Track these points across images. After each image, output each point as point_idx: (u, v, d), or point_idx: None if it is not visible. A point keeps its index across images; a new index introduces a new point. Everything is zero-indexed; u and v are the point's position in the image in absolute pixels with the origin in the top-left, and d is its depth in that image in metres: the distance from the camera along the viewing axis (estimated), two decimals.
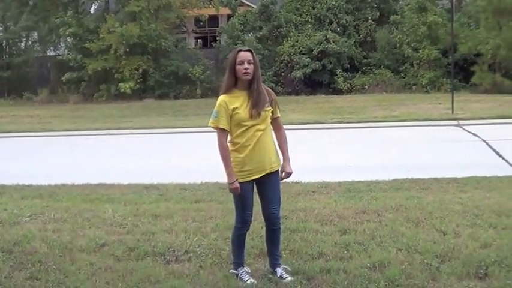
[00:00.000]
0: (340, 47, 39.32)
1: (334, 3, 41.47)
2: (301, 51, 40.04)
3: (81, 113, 32.46)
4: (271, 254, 6.75)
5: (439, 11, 39.15)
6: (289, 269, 6.65)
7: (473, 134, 18.69)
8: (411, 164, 13.89)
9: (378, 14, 42.07)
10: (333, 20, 41.38)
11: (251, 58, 6.29)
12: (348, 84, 39.17)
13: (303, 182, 11.65)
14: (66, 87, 42.19)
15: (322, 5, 41.69)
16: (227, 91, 6.38)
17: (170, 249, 7.56)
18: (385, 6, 42.60)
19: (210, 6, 43.69)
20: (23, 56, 45.25)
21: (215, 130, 6.41)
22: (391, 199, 10.00)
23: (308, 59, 39.41)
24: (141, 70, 39.72)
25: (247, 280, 6.51)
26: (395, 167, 13.50)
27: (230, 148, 6.41)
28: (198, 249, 7.52)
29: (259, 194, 6.61)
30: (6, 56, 46.24)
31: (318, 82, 39.72)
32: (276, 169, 6.53)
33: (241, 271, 6.63)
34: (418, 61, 38.18)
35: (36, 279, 6.69)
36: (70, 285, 6.47)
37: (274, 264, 6.69)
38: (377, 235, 7.88)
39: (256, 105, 6.28)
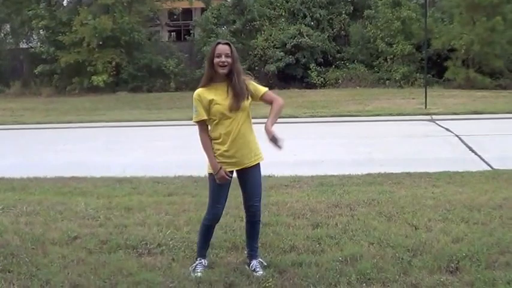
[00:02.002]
0: (313, 41, 39.43)
1: None
2: (274, 45, 40.09)
3: (53, 106, 32.26)
4: (249, 246, 6.77)
5: (413, 6, 39.34)
6: (265, 263, 6.65)
7: (446, 129, 18.79)
8: (384, 159, 13.96)
9: (352, 8, 42.28)
10: (307, 14, 41.48)
11: (229, 51, 6.27)
12: (322, 79, 39.32)
13: (275, 175, 11.67)
14: (39, 80, 42.00)
15: None
16: (205, 85, 6.38)
17: (143, 242, 7.53)
18: (359, 1, 42.77)
19: None
20: None
21: (196, 124, 6.44)
22: (363, 193, 10.04)
23: (282, 53, 39.49)
24: (114, 63, 39.61)
25: (198, 273, 6.52)
26: (368, 162, 13.55)
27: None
28: (170, 243, 7.50)
29: (240, 186, 6.60)
30: None
31: (291, 76, 39.79)
32: (257, 162, 6.52)
33: (198, 262, 6.66)
34: (391, 56, 38.38)
35: (9, 272, 6.64)
36: (42, 278, 6.42)
37: (251, 255, 6.71)
38: (349, 229, 7.90)
39: (236, 99, 6.27)
